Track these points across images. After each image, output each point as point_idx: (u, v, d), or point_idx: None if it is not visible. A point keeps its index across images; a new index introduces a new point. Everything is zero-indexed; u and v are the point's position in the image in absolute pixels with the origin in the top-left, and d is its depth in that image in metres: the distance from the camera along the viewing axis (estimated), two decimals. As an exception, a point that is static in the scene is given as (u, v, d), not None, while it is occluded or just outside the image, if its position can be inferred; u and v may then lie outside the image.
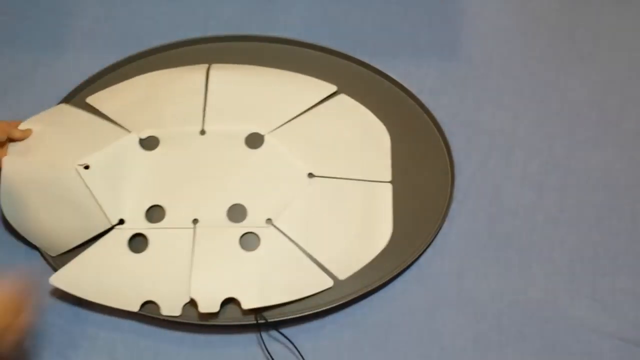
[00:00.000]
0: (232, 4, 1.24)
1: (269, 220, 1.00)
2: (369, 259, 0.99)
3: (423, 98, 1.11)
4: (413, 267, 1.01)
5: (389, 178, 1.05)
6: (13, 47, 1.21)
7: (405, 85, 1.12)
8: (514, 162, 1.09)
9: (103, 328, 0.99)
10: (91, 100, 1.12)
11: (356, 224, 1.01)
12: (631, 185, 1.07)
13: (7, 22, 1.23)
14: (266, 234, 0.99)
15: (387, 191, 1.04)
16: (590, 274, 1.01)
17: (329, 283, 0.98)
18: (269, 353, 0.95)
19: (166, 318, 0.97)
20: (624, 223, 1.04)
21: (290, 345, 0.96)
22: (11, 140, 1.03)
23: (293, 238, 0.99)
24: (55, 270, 0.99)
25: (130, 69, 1.15)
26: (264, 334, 0.97)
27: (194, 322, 0.96)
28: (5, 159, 1.01)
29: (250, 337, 0.98)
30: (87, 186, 0.99)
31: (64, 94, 1.13)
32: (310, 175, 1.03)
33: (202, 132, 1.06)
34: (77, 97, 1.13)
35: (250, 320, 0.96)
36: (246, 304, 0.95)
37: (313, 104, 1.09)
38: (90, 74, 1.14)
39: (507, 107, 1.13)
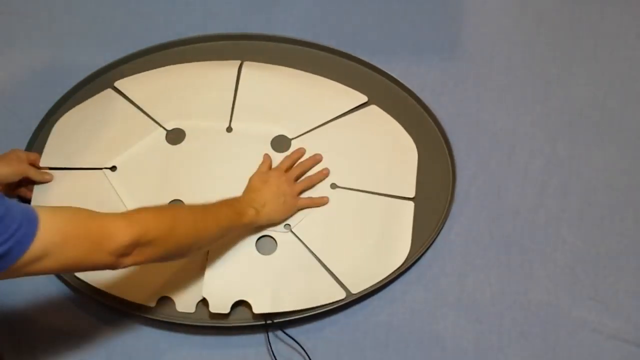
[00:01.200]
0: (232, 2, 1.23)
1: (287, 226, 0.99)
2: (383, 276, 0.98)
3: (424, 97, 1.11)
4: (414, 268, 1.01)
5: (412, 195, 1.03)
6: (11, 46, 1.21)
7: (406, 84, 1.12)
8: (516, 162, 1.08)
9: (101, 328, 0.99)
10: (119, 84, 1.13)
11: (374, 239, 1.00)
12: (633, 186, 1.07)
13: (5, 21, 1.23)
14: (283, 239, 0.99)
15: (408, 208, 1.02)
16: (592, 275, 1.00)
17: (341, 295, 0.96)
18: (273, 354, 0.95)
19: (166, 319, 0.96)
20: (626, 223, 1.04)
21: (292, 347, 0.96)
22: (29, 180, 1.03)
23: (310, 246, 0.98)
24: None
25: (130, 67, 1.15)
26: (269, 333, 0.97)
27: (193, 323, 0.96)
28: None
29: (250, 338, 0.97)
30: (113, 187, 1.02)
31: (62, 93, 1.13)
32: (333, 185, 1.02)
33: (229, 129, 1.06)
34: (71, 99, 1.13)
35: (255, 321, 0.95)
36: (257, 309, 0.94)
37: (342, 112, 1.09)
38: (88, 73, 1.14)
39: (509, 106, 1.13)
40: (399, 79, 1.12)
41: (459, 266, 1.01)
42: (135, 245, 0.76)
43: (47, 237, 0.68)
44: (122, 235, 0.75)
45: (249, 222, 0.93)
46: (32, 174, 1.02)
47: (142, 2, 1.24)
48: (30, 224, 0.67)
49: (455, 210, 1.04)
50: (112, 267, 0.77)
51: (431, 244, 1.01)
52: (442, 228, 1.02)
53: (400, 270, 0.98)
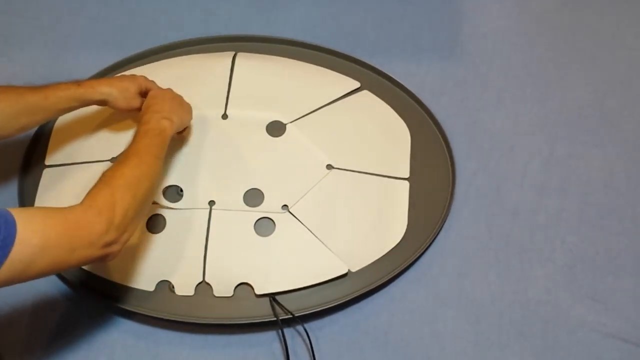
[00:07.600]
0: (232, 3, 1.24)
1: (284, 207, 1.01)
2: (382, 254, 1.00)
3: (423, 98, 1.11)
4: (414, 268, 1.01)
5: (407, 175, 1.05)
6: (13, 46, 1.21)
7: (406, 85, 1.12)
8: (515, 162, 1.09)
9: (101, 327, 0.99)
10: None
11: (371, 217, 1.02)
12: (632, 185, 1.07)
13: (5, 22, 1.23)
14: (281, 220, 1.00)
15: (404, 188, 1.04)
16: (590, 274, 1.01)
17: (344, 269, 0.97)
18: (287, 351, 0.95)
19: (167, 317, 0.97)
20: (625, 223, 1.04)
21: (295, 345, 0.96)
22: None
23: (308, 226, 1.00)
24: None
25: (132, 69, 1.15)
26: (270, 332, 0.97)
27: (193, 321, 0.96)
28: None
29: (252, 337, 0.98)
30: None
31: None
32: (329, 166, 1.04)
33: (225, 117, 1.08)
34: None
35: (259, 319, 0.96)
36: (260, 289, 0.96)
37: (336, 97, 1.11)
38: (89, 75, 1.14)
39: (508, 107, 1.13)
40: (398, 79, 1.12)
41: (459, 266, 1.02)
42: (113, 229, 0.76)
43: (26, 239, 0.67)
44: (98, 224, 0.75)
45: (171, 133, 0.93)
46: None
47: (144, 4, 1.24)
48: (9, 227, 0.66)
49: (455, 210, 1.05)
50: (103, 258, 0.77)
51: (431, 244, 1.02)
52: (441, 228, 1.03)
53: (400, 269, 0.99)
